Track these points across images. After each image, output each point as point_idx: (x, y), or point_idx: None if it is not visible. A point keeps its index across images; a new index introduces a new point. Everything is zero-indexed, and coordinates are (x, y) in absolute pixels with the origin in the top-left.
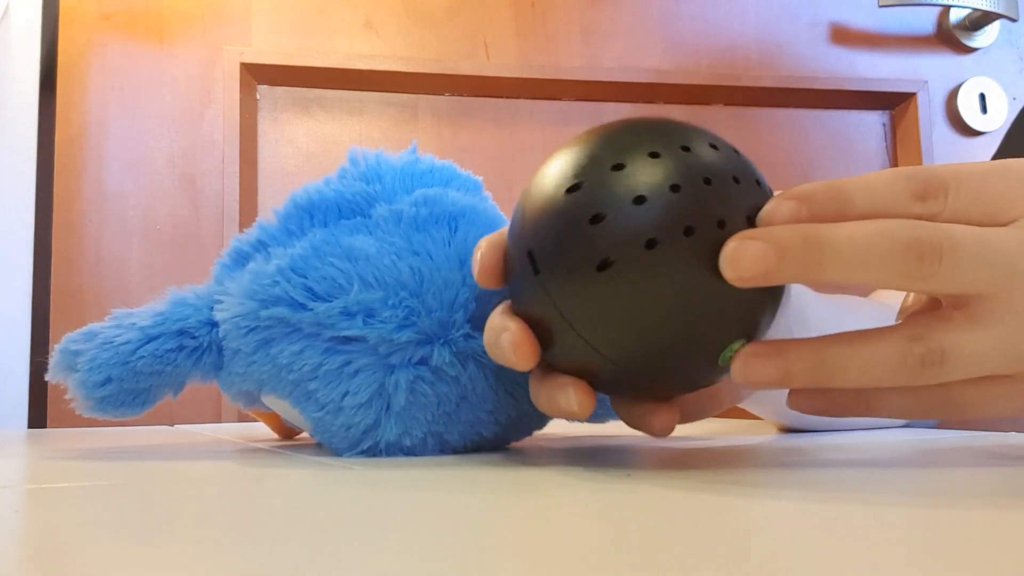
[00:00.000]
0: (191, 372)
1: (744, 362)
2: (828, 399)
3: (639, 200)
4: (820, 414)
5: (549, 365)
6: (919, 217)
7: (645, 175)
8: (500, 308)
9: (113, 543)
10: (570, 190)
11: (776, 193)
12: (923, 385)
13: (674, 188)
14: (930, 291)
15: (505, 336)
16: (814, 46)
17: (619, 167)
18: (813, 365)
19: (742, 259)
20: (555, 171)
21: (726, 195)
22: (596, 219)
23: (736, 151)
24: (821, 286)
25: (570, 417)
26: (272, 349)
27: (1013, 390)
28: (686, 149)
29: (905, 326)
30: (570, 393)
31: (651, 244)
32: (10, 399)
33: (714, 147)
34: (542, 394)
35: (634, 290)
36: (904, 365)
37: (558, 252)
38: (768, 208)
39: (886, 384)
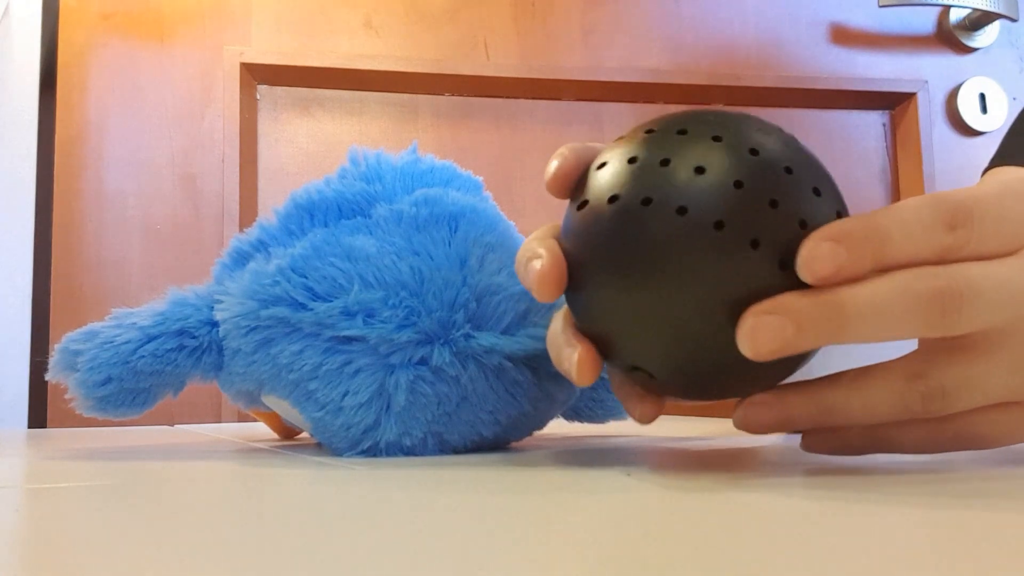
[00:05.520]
0: (191, 372)
1: (745, 411)
2: (842, 441)
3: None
4: (835, 454)
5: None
6: (950, 248)
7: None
8: (541, 231)
9: (113, 543)
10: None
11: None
12: (935, 420)
13: (737, 184)
14: (951, 335)
15: (535, 263)
16: (814, 46)
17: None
18: (812, 411)
19: (759, 335)
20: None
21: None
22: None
23: (796, 147)
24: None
25: (569, 378)
26: (272, 349)
27: None
28: (750, 148)
29: (904, 363)
30: (575, 356)
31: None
32: (10, 399)
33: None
34: (554, 347)
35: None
36: (905, 403)
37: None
38: (805, 254)
39: (890, 420)
